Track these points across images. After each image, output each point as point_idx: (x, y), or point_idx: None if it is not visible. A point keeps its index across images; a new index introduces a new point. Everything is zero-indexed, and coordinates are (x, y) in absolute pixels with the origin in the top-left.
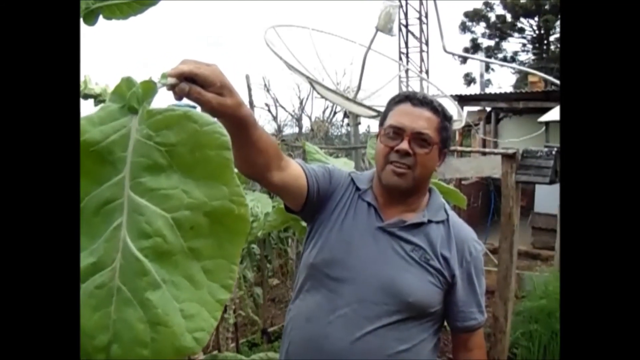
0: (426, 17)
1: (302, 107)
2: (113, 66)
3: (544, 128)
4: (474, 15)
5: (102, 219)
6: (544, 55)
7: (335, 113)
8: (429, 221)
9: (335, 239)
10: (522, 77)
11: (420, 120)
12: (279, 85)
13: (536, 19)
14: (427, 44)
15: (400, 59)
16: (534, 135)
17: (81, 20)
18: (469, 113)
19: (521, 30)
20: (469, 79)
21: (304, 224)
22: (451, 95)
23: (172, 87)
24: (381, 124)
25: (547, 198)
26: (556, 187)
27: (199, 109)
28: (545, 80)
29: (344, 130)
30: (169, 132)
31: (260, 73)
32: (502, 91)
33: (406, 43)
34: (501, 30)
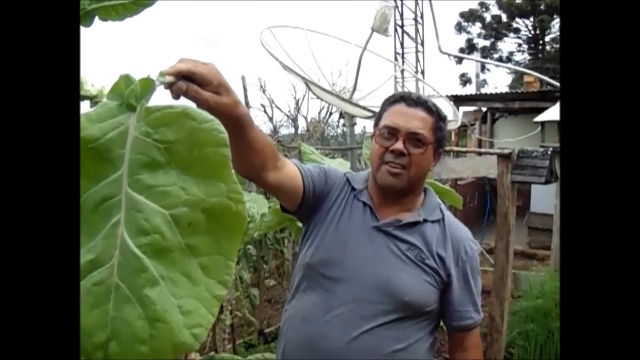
0: (422, 17)
1: (297, 108)
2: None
3: (539, 128)
4: (470, 16)
5: (100, 216)
6: (540, 55)
7: (331, 114)
8: (425, 220)
9: (331, 239)
10: (518, 77)
11: (415, 120)
12: (275, 86)
13: (531, 19)
14: (422, 44)
15: (396, 59)
16: (529, 136)
17: None
18: (465, 113)
19: (517, 31)
20: (464, 79)
21: (300, 224)
22: (447, 96)
23: (169, 86)
24: (376, 125)
25: (543, 198)
26: (552, 187)
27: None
28: (541, 80)
29: (339, 131)
30: (167, 129)
31: (255, 74)
32: (498, 91)
33: (402, 43)
34: (497, 31)
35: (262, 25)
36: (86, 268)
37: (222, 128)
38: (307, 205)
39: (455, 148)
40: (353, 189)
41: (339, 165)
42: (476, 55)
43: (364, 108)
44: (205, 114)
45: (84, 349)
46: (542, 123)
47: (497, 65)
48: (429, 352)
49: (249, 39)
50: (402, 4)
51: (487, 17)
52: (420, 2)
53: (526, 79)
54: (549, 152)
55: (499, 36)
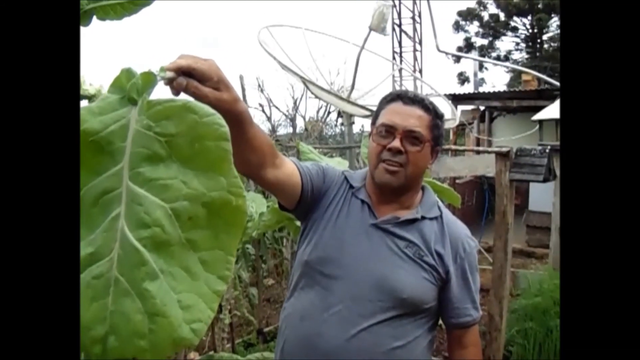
0: (419, 16)
1: (296, 107)
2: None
3: (537, 126)
4: (468, 15)
5: (100, 210)
6: (538, 53)
7: (329, 113)
8: (423, 218)
9: (329, 237)
10: (516, 75)
11: (412, 118)
12: (273, 86)
13: (529, 17)
14: (420, 43)
15: (394, 58)
16: (527, 134)
17: None
18: (463, 112)
19: (514, 29)
20: (462, 78)
21: (298, 223)
22: (445, 94)
23: (169, 81)
24: (373, 123)
25: (541, 196)
26: (550, 186)
27: None
28: (539, 79)
29: (338, 130)
30: (168, 122)
31: (253, 73)
32: (496, 90)
33: (400, 42)
34: (494, 29)
35: (260, 25)
36: (86, 261)
37: (223, 122)
38: (305, 203)
39: (453, 147)
40: (351, 186)
41: (338, 164)
42: (474, 54)
43: (362, 107)
44: (206, 108)
45: (82, 343)
46: (540, 121)
47: (495, 64)
48: (428, 350)
49: (247, 38)
50: (399, 3)
51: (485, 15)
52: (418, 1)
53: (524, 77)
54: (547, 151)
55: (496, 35)
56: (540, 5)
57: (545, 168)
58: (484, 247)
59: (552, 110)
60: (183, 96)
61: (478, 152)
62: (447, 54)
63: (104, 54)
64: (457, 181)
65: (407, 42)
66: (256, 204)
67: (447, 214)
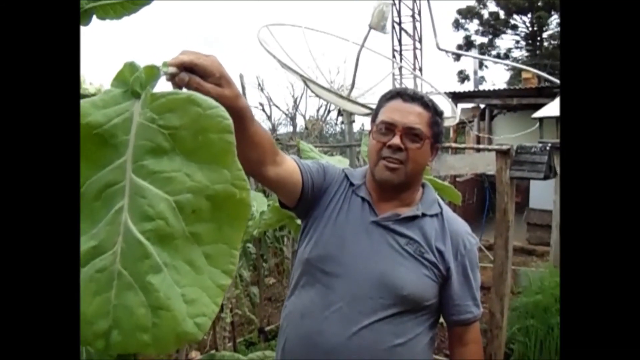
0: (419, 14)
1: (296, 106)
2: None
3: (537, 124)
4: (467, 13)
5: (103, 203)
6: (537, 51)
7: (329, 111)
8: (423, 215)
9: (329, 234)
10: (516, 73)
11: (411, 115)
12: (273, 85)
13: (529, 15)
14: (420, 41)
15: (394, 56)
16: (528, 132)
17: None
18: (463, 110)
19: (514, 27)
20: (462, 76)
21: (299, 221)
22: (445, 93)
23: (172, 77)
24: (373, 121)
25: (542, 194)
26: (551, 183)
27: None
28: (539, 77)
29: (338, 129)
30: (172, 115)
31: (253, 72)
32: (496, 88)
33: (399, 41)
34: (494, 27)
35: (259, 24)
36: (89, 255)
37: (226, 114)
38: (305, 201)
39: (453, 145)
40: (351, 184)
41: (338, 163)
42: (474, 52)
43: (363, 105)
44: (210, 101)
45: (84, 338)
46: (540, 119)
47: (495, 62)
48: (429, 348)
49: (246, 37)
50: (399, 2)
51: (485, 14)
52: None
53: (524, 75)
54: (548, 148)
55: (496, 33)
56: (540, 3)
57: (545, 166)
58: (484, 244)
59: (552, 108)
60: None
61: (478, 150)
62: (447, 52)
63: (105, 53)
64: (458, 179)
65: (407, 40)
66: (257, 203)
67: (447, 211)
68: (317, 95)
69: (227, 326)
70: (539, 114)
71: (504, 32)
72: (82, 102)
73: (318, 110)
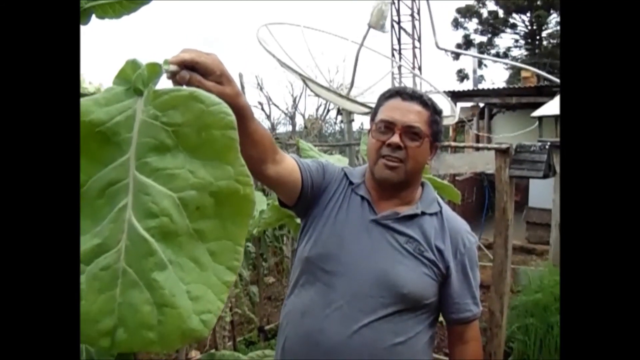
0: (418, 13)
1: (295, 105)
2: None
3: (537, 123)
4: (466, 12)
5: (107, 201)
6: (537, 50)
7: (328, 110)
8: (423, 213)
9: (329, 233)
10: (515, 72)
11: (411, 114)
12: (272, 84)
13: (528, 14)
14: (419, 40)
15: (393, 55)
16: (527, 130)
17: None
18: (462, 109)
19: (513, 26)
20: (461, 75)
21: (298, 221)
22: (444, 91)
23: (173, 75)
24: (372, 119)
25: (541, 193)
26: (550, 182)
27: None
28: (538, 76)
29: (337, 128)
30: (175, 112)
31: (253, 72)
32: (495, 87)
33: (399, 40)
34: (493, 26)
35: (259, 23)
36: (93, 253)
37: (229, 111)
38: (305, 200)
39: (453, 143)
40: (351, 183)
41: (337, 162)
42: (473, 51)
43: (362, 104)
44: (213, 97)
45: (89, 336)
46: (540, 118)
47: (494, 61)
48: (429, 346)
49: (245, 36)
50: (399, 1)
51: (484, 12)
52: None
53: (523, 74)
54: (547, 147)
55: (495, 32)
56: (539, 2)
57: (545, 164)
58: (484, 243)
59: (551, 107)
60: None
61: (478, 149)
62: (446, 51)
63: (105, 53)
64: (457, 178)
65: (406, 40)
66: (257, 202)
67: (446, 209)
68: (316, 95)
69: (226, 325)
70: (538, 112)
71: (503, 31)
72: (85, 100)
73: (317, 109)
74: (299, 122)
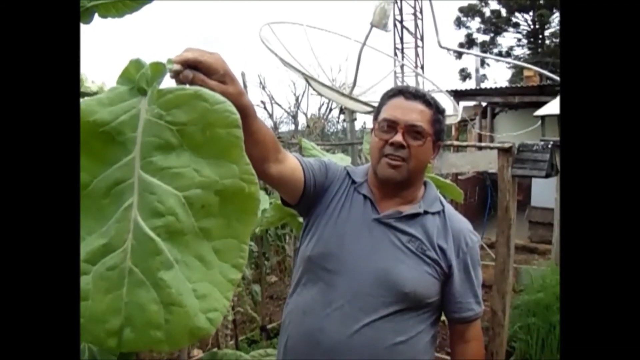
0: (421, 12)
1: (297, 104)
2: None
3: (539, 122)
4: (469, 11)
5: (112, 201)
6: (539, 49)
7: (331, 109)
8: (425, 212)
9: (331, 232)
10: (518, 71)
11: (413, 113)
12: (275, 83)
13: (531, 13)
14: (422, 39)
15: (396, 54)
16: (530, 130)
17: None
18: (465, 108)
19: (516, 25)
20: (464, 74)
21: (300, 219)
22: (447, 91)
23: (176, 74)
24: (375, 118)
25: (544, 192)
26: (553, 181)
27: None
28: (541, 75)
29: (340, 127)
30: (179, 111)
31: (255, 71)
32: (498, 86)
33: (401, 39)
34: (496, 25)
35: (261, 22)
36: (99, 253)
37: (233, 109)
38: (307, 199)
39: (455, 143)
40: (353, 182)
41: (340, 161)
42: (476, 50)
43: (364, 103)
44: (217, 96)
45: (96, 336)
46: (542, 117)
47: (497, 60)
48: (431, 346)
49: (248, 35)
50: (401, 0)
51: (487, 11)
52: None
53: (526, 73)
54: (550, 146)
55: (498, 31)
56: (541, 1)
57: (547, 164)
58: (486, 243)
59: (554, 106)
60: None
61: (480, 148)
62: (448, 50)
63: (106, 52)
64: (460, 177)
65: (408, 39)
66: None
67: (449, 208)
68: (318, 94)
69: (229, 324)
70: (541, 111)
71: (506, 30)
72: (88, 100)
73: (320, 109)
74: (302, 121)
